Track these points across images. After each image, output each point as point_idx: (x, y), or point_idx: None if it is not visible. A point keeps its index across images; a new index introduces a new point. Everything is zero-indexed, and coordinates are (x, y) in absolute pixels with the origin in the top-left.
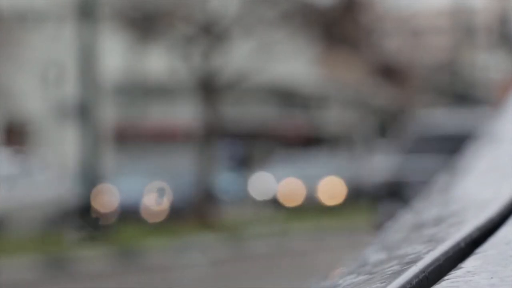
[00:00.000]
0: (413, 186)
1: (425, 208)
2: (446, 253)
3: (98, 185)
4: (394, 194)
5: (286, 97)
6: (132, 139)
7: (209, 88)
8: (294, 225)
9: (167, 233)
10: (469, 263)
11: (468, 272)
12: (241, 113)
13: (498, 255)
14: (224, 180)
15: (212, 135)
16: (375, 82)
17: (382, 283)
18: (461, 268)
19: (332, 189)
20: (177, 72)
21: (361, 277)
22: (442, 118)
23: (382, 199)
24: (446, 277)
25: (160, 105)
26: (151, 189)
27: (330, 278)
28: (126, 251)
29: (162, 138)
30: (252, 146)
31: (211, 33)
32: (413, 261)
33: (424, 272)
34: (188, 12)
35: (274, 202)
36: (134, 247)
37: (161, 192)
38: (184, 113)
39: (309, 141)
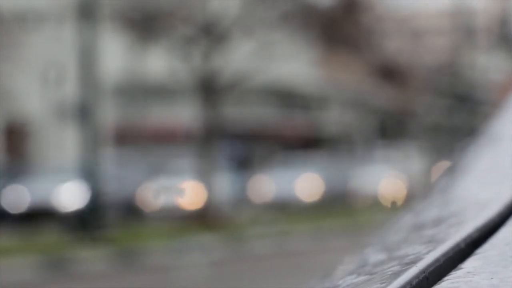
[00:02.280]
0: None
1: (425, 209)
2: (446, 253)
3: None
4: None
5: (286, 97)
6: (132, 139)
7: (209, 89)
8: (294, 226)
9: (167, 233)
10: (469, 264)
11: (468, 272)
12: (241, 113)
13: (498, 256)
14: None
15: (212, 135)
16: (375, 83)
17: (382, 283)
18: (461, 268)
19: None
20: (177, 72)
21: (361, 278)
22: None
23: None
24: (446, 278)
25: (160, 106)
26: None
27: (329, 278)
28: (126, 251)
29: (162, 139)
30: (252, 146)
31: (211, 33)
32: (413, 262)
33: (424, 272)
34: (188, 13)
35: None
36: (134, 247)
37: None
38: (184, 114)
39: (309, 142)
